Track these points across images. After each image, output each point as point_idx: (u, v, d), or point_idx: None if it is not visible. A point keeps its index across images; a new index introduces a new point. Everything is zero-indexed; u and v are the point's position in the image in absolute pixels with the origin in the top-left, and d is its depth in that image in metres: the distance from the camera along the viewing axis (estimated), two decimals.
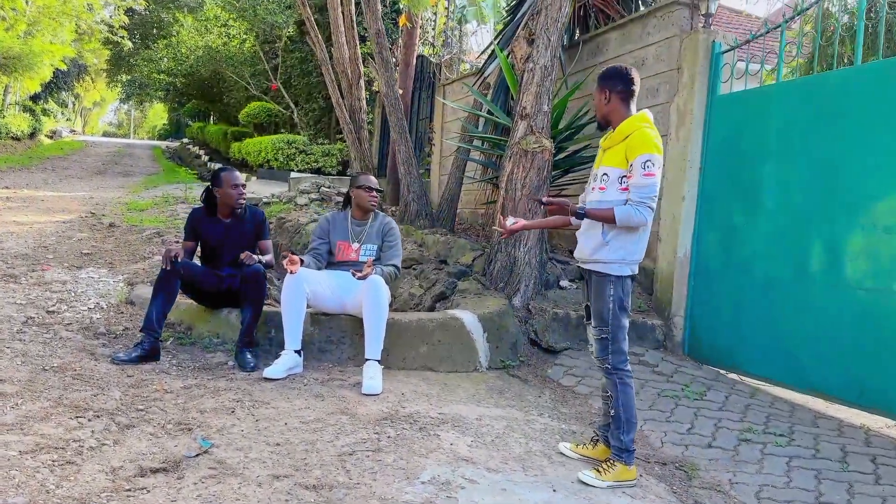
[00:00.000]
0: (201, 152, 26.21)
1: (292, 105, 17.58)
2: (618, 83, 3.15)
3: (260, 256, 4.42)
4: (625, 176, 3.06)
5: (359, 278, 4.17)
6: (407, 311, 5.33)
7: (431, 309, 5.39)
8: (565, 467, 3.21)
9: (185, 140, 33.74)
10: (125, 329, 4.58)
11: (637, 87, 3.21)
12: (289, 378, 4.07)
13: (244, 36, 18.76)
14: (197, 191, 11.61)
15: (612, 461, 3.10)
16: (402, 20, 11.41)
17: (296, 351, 4.19)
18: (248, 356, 4.20)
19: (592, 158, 6.44)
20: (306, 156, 15.55)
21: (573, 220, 3.29)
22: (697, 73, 5.44)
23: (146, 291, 4.87)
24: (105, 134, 62.13)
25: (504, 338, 4.85)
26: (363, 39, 12.45)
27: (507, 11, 7.19)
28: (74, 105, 49.13)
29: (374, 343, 4.13)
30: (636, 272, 3.18)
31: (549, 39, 5.01)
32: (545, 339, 5.00)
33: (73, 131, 41.47)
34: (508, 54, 6.43)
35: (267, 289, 4.48)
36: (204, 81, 22.18)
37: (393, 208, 9.50)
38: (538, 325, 5.04)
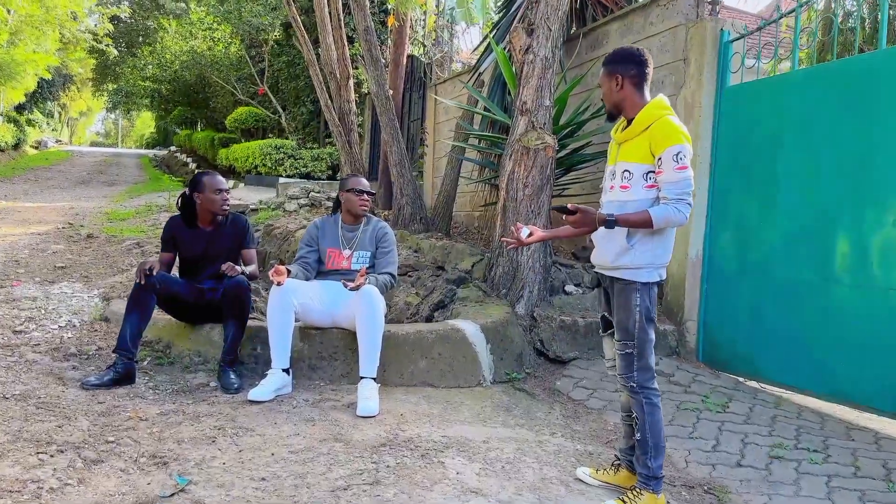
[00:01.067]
0: (189, 160, 25.82)
1: (280, 109, 17.22)
2: (630, 66, 2.81)
3: (243, 267, 4.09)
4: (651, 171, 2.74)
5: (351, 289, 3.83)
6: (403, 321, 4.99)
7: (429, 319, 5.06)
8: (585, 497, 2.88)
9: (173, 148, 33.34)
10: (98, 349, 4.24)
11: (651, 70, 2.88)
12: (276, 400, 3.73)
13: (229, 40, 18.39)
14: None
15: (638, 489, 2.77)
16: (390, 20, 11.10)
17: (284, 370, 3.85)
18: (232, 376, 3.86)
19: (595, 157, 6.19)
20: (295, 161, 15.20)
21: (601, 229, 2.90)
22: (705, 63, 5.15)
23: (122, 307, 4.52)
24: (93, 144, 61.53)
25: (508, 349, 4.52)
26: (351, 41, 12.13)
27: (501, 4, 6.87)
28: (60, 115, 48.61)
29: (369, 359, 3.80)
30: (664, 277, 2.85)
31: (550, 29, 4.69)
32: (552, 348, 4.68)
33: (58, 141, 40.95)
34: (505, 47, 6.12)
35: (252, 302, 4.14)
36: (189, 87, 21.76)
37: (385, 212, 9.16)
38: (544, 334, 4.71)
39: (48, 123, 40.27)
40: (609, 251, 2.83)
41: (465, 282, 5.19)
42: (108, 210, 9.92)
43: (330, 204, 10.15)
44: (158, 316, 4.17)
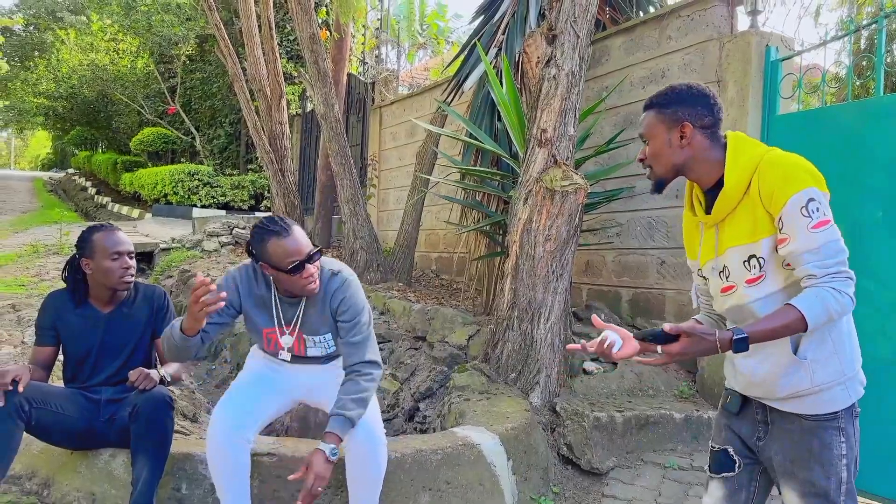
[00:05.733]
0: (88, 184, 23.54)
1: (194, 131, 15.55)
2: (700, 108, 1.82)
3: (162, 370, 2.75)
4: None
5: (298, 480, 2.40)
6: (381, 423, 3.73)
7: (414, 413, 3.83)
8: None
9: (71, 170, 30.72)
10: None
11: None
12: None
13: (136, 53, 16.58)
14: (76, 233, 9.54)
15: None
16: (323, 34, 9.87)
17: None
18: None
19: (600, 203, 5.06)
20: (212, 189, 13.59)
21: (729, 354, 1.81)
22: (749, 86, 4.21)
23: None
24: None
25: (533, 463, 3.33)
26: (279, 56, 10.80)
27: (481, 5, 5.76)
28: None
29: None
30: (865, 380, 1.75)
31: (578, 36, 3.60)
32: (585, 456, 3.52)
33: None
34: (494, 60, 5.01)
35: (173, 420, 2.78)
36: (89, 105, 19.63)
37: (326, 253, 7.84)
38: (573, 437, 3.55)
39: None
40: (769, 375, 1.74)
41: (459, 361, 3.98)
42: None
43: None
44: (31, 442, 2.77)
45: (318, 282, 2.54)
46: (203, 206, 13.28)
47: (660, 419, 3.79)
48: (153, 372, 2.62)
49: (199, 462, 2.82)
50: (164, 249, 8.57)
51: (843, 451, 1.69)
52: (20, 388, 2.46)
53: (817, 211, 1.63)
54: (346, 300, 2.61)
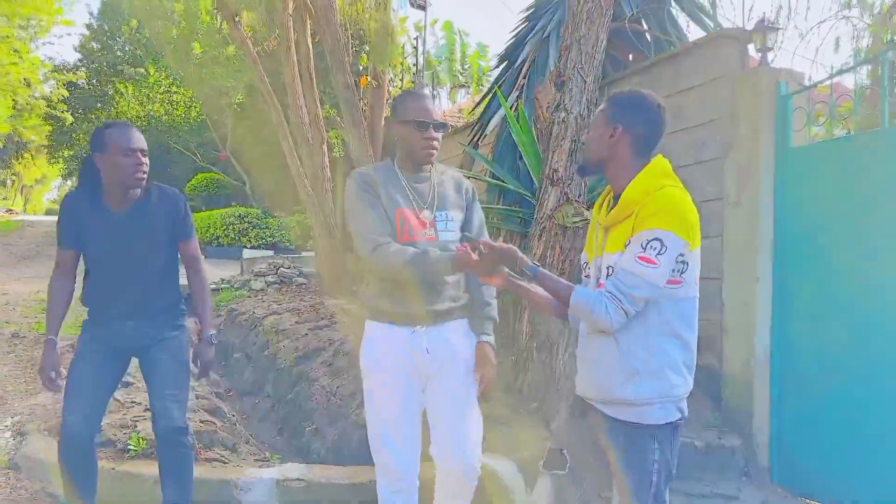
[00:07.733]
0: None
1: (244, 175, 16.23)
2: (637, 120, 2.01)
3: (210, 331, 2.79)
4: None
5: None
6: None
7: None
8: None
9: None
10: None
11: (663, 138, 2.07)
12: None
13: (189, 103, 17.47)
14: None
15: None
16: (363, 81, 10.31)
17: None
18: None
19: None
20: (260, 230, 14.13)
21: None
22: (761, 121, 4.32)
23: (44, 446, 3.42)
24: (48, 212, 59.55)
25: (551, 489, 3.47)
26: (321, 102, 11.28)
27: (502, 53, 6.05)
28: (14, 183, 47.04)
29: None
30: (686, 414, 1.99)
31: (585, 81, 3.82)
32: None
33: (9, 211, 39.33)
34: (513, 104, 5.26)
35: (192, 449, 2.86)
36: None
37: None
38: None
39: None
40: (597, 375, 1.98)
41: (484, 392, 4.15)
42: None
43: (303, 281, 9.07)
44: None
45: (437, 151, 2.47)
46: (252, 247, 13.79)
47: (680, 447, 3.88)
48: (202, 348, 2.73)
49: (233, 486, 3.06)
50: (213, 290, 8.98)
51: (656, 457, 1.90)
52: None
53: (653, 250, 1.82)
54: (473, 189, 2.66)
